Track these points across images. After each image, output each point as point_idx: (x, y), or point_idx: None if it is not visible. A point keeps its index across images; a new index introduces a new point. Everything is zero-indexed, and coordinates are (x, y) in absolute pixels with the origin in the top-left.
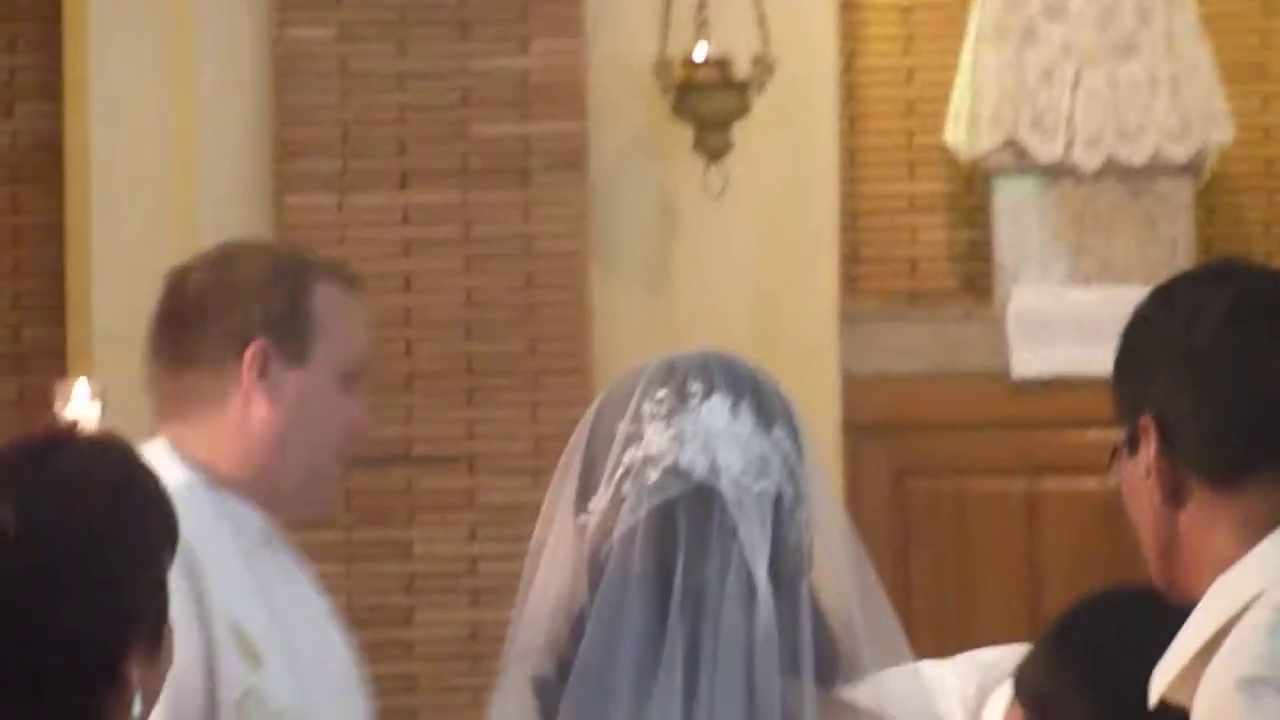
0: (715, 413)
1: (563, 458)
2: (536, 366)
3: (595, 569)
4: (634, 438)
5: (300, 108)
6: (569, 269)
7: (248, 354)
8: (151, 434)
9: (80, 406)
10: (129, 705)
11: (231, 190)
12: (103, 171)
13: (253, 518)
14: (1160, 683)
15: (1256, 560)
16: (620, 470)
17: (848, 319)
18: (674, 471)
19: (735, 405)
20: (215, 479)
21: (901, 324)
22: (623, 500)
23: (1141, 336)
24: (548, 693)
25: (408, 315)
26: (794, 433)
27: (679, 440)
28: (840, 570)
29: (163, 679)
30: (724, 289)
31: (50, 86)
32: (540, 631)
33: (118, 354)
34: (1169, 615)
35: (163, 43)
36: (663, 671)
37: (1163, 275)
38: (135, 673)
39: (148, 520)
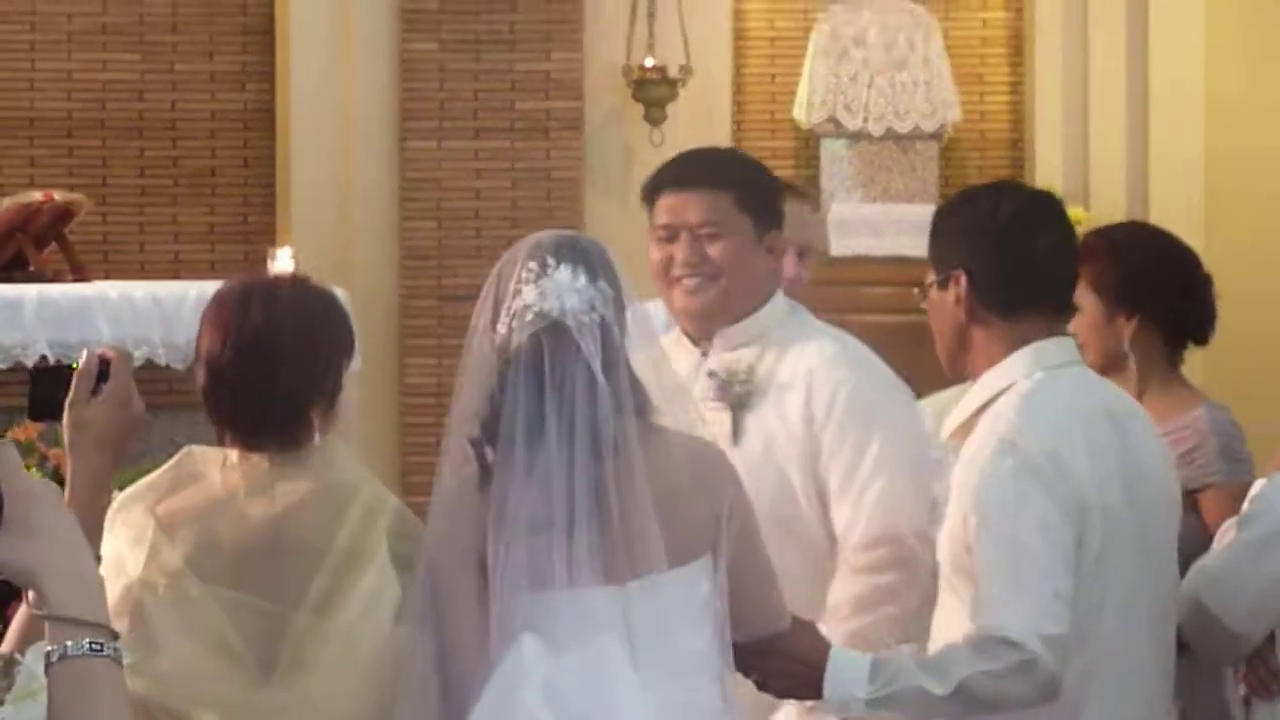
0: (563, 276)
1: (481, 295)
2: None
3: (502, 372)
4: (517, 293)
5: (414, 90)
6: (572, 189)
7: None
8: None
9: (283, 264)
10: (310, 433)
11: (372, 138)
12: (297, 126)
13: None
14: (948, 428)
15: (1012, 362)
16: (510, 312)
17: None
18: (540, 314)
19: (574, 269)
20: None
21: None
22: (512, 330)
23: (954, 221)
24: (479, 445)
25: (476, 213)
26: (613, 279)
27: (542, 295)
28: (648, 361)
29: (334, 423)
30: None
31: (267, 75)
32: (473, 406)
33: (306, 233)
34: None
35: (335, 51)
36: (547, 424)
37: (918, 199)
38: (315, 418)
39: (333, 337)
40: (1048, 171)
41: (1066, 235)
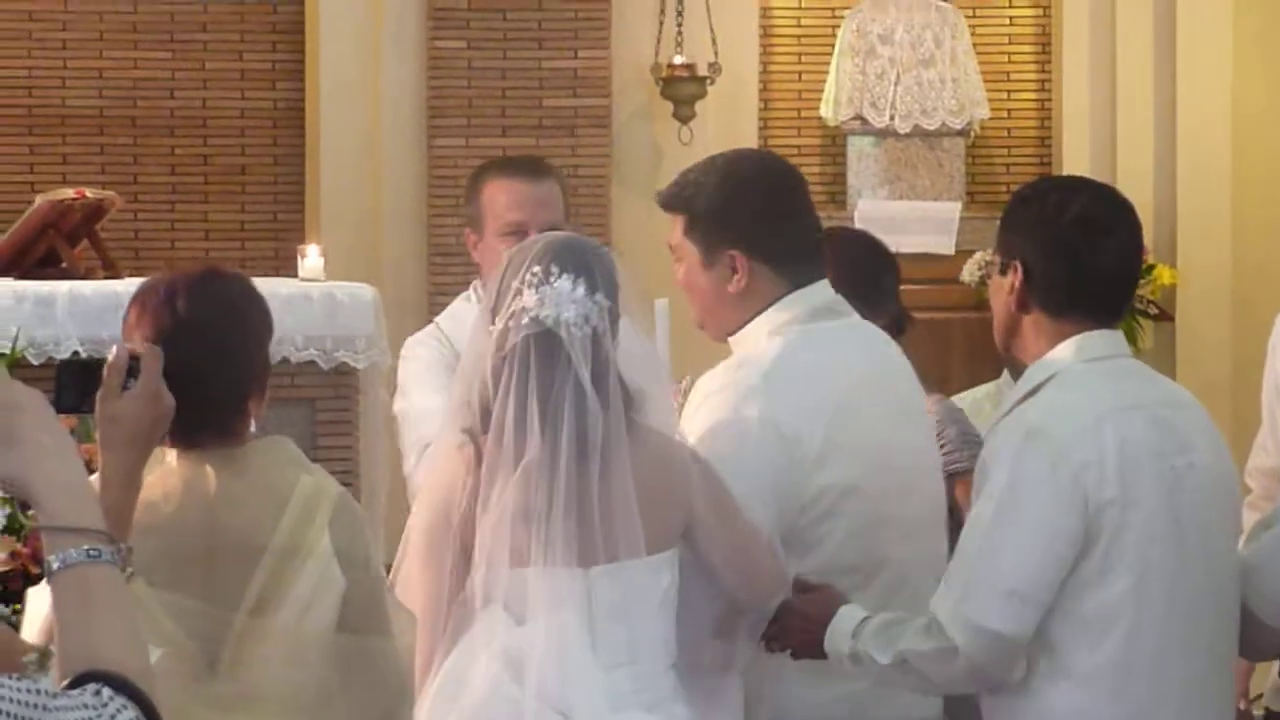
0: (563, 285)
1: (486, 290)
2: None
3: (496, 368)
4: (518, 294)
5: (442, 88)
6: (599, 187)
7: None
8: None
9: (312, 261)
10: (248, 424)
11: (400, 136)
12: (326, 124)
13: None
14: (994, 419)
15: (1055, 354)
16: (509, 312)
17: None
18: (535, 320)
19: (575, 280)
20: None
21: None
22: (509, 329)
23: (1023, 212)
24: (474, 434)
25: None
26: (612, 291)
27: (541, 301)
28: (637, 363)
29: (263, 408)
30: None
31: (297, 73)
32: (467, 395)
33: (335, 230)
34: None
35: (364, 49)
36: (534, 423)
37: (944, 196)
38: (250, 407)
39: (259, 321)
40: (1074, 168)
41: (1130, 243)
